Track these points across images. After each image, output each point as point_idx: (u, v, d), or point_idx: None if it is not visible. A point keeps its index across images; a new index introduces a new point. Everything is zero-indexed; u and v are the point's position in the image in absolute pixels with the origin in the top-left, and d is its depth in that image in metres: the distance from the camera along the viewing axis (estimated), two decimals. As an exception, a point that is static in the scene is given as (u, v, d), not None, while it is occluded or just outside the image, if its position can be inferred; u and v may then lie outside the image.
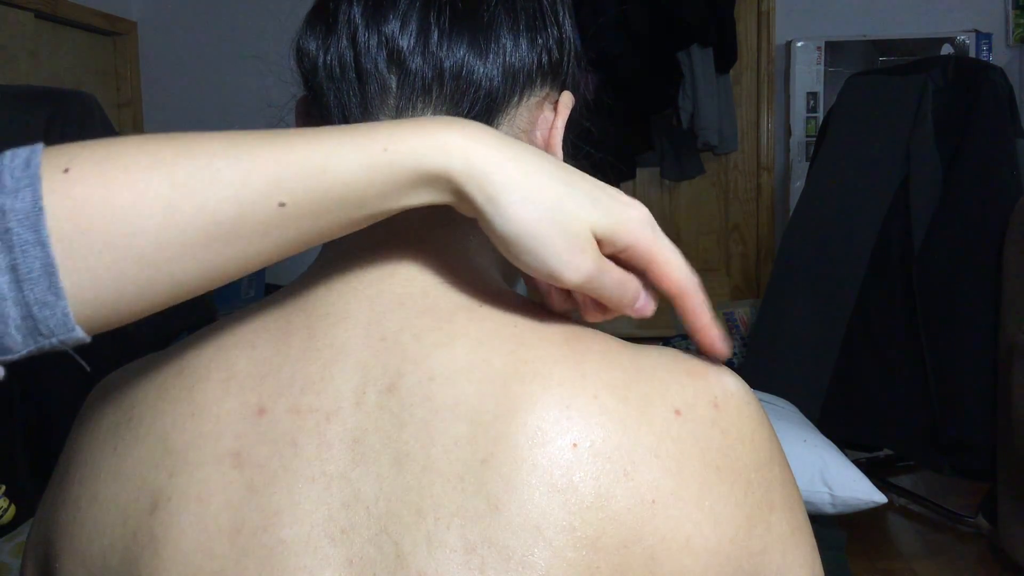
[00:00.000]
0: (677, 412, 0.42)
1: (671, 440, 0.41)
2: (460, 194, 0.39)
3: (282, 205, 0.37)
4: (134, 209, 0.35)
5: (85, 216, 0.34)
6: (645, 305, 0.44)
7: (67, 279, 0.34)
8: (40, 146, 0.36)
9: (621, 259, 0.42)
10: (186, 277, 0.37)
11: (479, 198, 0.39)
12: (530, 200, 0.39)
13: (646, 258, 0.41)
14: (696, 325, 0.44)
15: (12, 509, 1.49)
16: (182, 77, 3.33)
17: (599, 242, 0.41)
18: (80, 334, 0.35)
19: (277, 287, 0.46)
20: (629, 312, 0.44)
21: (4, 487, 1.50)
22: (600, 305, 0.44)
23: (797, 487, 0.46)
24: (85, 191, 0.35)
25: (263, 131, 0.39)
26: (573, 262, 0.40)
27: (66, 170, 0.35)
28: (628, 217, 0.41)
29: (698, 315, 0.43)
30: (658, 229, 0.42)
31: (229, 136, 0.38)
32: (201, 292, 0.39)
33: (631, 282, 0.42)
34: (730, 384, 0.44)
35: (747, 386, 0.45)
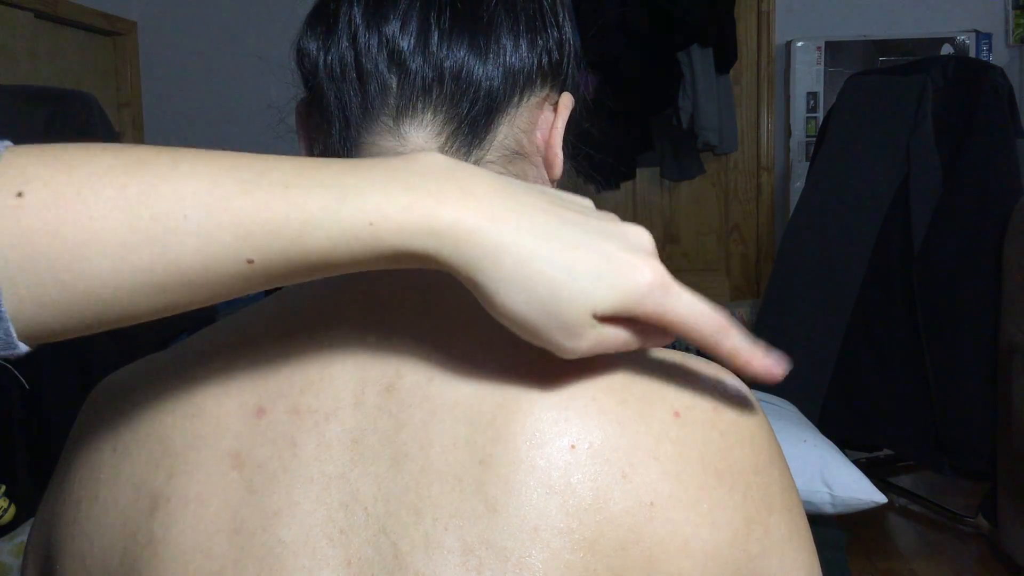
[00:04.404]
0: (676, 414, 0.42)
1: (670, 442, 0.41)
2: (444, 268, 0.37)
3: (250, 262, 0.35)
4: (87, 248, 0.33)
5: (32, 247, 0.32)
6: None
7: (10, 303, 0.33)
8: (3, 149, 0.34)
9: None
10: (139, 312, 0.35)
11: (469, 284, 0.37)
12: (522, 291, 0.36)
13: (661, 324, 0.39)
14: (737, 364, 0.40)
15: (12, 509, 1.49)
16: (182, 77, 3.33)
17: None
18: (23, 349, 0.34)
19: (278, 287, 0.46)
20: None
21: (4, 487, 1.50)
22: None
23: (796, 490, 0.46)
24: (35, 223, 0.32)
25: (247, 163, 0.35)
26: (567, 345, 0.38)
27: (19, 194, 0.32)
28: (634, 289, 0.37)
29: (735, 358, 0.39)
30: (670, 287, 0.38)
31: (208, 172, 0.35)
32: (155, 318, 0.36)
33: (649, 338, 0.40)
34: (730, 386, 0.44)
35: (747, 388, 0.45)
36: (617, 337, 0.39)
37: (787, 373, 0.40)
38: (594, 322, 0.38)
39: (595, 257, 0.37)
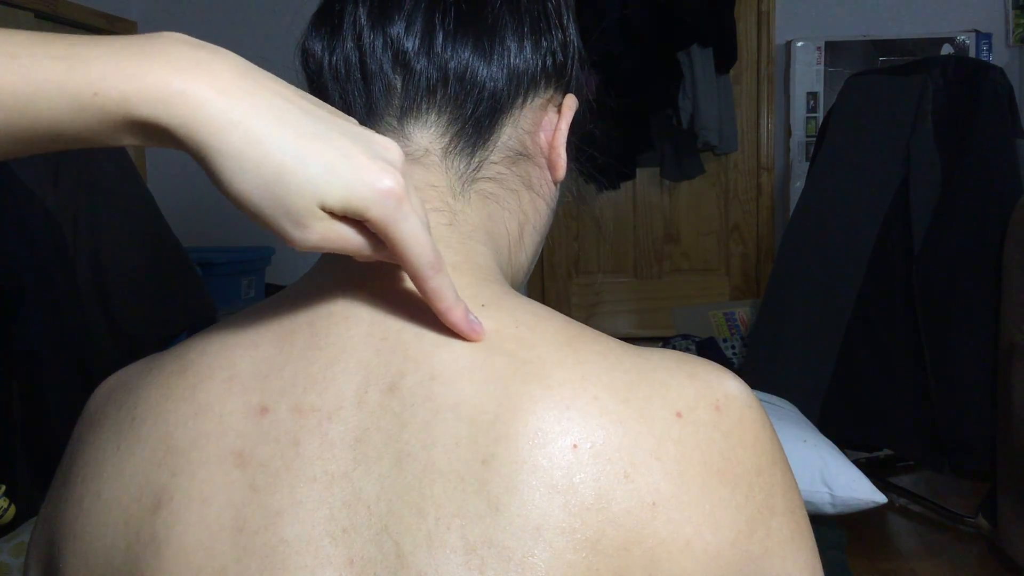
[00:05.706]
0: (678, 414, 0.42)
1: (672, 442, 0.41)
2: (179, 146, 0.37)
3: None
4: None
5: None
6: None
7: None
8: None
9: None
10: None
11: (197, 158, 0.37)
12: (248, 172, 0.36)
13: (383, 235, 0.39)
14: (437, 309, 0.42)
15: (12, 509, 1.49)
16: (182, 77, 3.32)
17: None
18: None
19: (278, 287, 0.46)
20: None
21: (4, 487, 1.50)
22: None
23: (799, 491, 0.46)
24: None
25: None
26: (295, 234, 0.38)
27: None
28: (367, 191, 0.37)
29: (435, 300, 0.41)
30: (405, 203, 0.38)
31: None
32: None
33: (381, 250, 0.40)
34: (732, 387, 0.44)
35: (749, 389, 0.45)
36: (349, 238, 0.39)
37: (479, 339, 0.42)
38: (322, 215, 0.38)
39: (332, 151, 0.37)
